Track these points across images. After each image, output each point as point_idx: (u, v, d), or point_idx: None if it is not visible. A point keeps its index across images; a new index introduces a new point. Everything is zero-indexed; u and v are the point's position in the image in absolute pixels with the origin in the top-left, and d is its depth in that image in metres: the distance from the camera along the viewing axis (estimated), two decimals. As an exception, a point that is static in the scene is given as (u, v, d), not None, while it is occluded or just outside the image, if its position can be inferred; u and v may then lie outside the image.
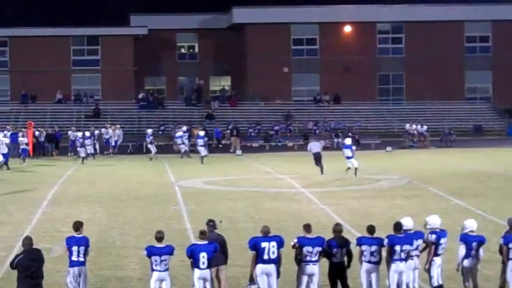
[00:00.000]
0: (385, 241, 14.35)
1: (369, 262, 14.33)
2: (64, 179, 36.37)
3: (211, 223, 15.03)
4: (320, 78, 70.88)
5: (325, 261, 14.65)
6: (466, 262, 14.70)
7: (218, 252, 14.37)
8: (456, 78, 70.51)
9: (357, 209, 25.86)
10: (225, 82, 73.62)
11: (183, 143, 48.60)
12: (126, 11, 72.20)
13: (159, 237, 14.19)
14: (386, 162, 43.46)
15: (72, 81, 69.45)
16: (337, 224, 15.10)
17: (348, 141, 37.12)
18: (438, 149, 54.20)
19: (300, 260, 14.33)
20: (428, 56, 69.32)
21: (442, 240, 14.82)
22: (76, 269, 14.33)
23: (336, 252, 14.49)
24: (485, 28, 71.75)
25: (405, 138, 57.85)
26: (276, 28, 69.30)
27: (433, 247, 14.70)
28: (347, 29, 70.68)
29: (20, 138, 46.35)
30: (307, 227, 14.58)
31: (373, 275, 14.36)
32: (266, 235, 14.33)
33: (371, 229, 14.60)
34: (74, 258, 14.37)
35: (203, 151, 44.79)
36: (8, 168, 40.70)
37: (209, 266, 14.06)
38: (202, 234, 14.29)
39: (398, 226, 14.55)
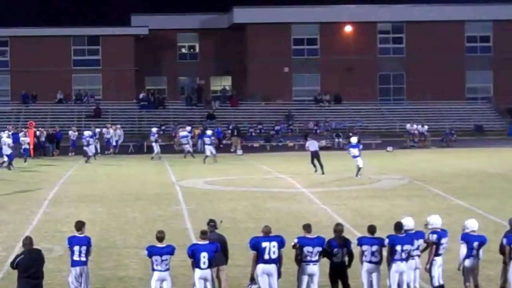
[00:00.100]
0: (386, 241, 14.35)
1: (370, 262, 14.33)
2: (65, 179, 36.37)
3: (212, 223, 15.02)
4: (321, 78, 70.90)
5: (325, 261, 14.65)
6: (467, 262, 14.70)
7: (219, 252, 14.37)
8: (457, 78, 70.52)
9: (357, 209, 25.86)
10: (226, 82, 73.62)
11: (188, 142, 48.75)
12: (127, 11, 72.27)
13: (160, 237, 14.20)
14: (387, 162, 43.45)
15: (73, 81, 69.50)
16: (338, 224, 15.09)
17: (354, 140, 37.14)
18: (439, 149, 54.19)
19: (301, 260, 14.33)
20: (429, 56, 69.32)
21: (443, 240, 14.82)
22: (78, 268, 14.34)
23: (336, 252, 14.49)
24: (486, 28, 71.76)
25: (406, 138, 57.83)
26: (277, 28, 69.31)
27: (434, 247, 14.70)
28: (348, 29, 70.68)
29: (22, 138, 46.37)
30: (307, 227, 14.58)
31: (374, 275, 14.36)
32: (267, 235, 14.34)
33: (372, 229, 14.60)
34: (76, 257, 14.38)
35: (209, 150, 44.83)
36: (9, 169, 40.73)
37: (210, 266, 14.06)
38: (203, 234, 14.29)
39: (398, 226, 14.55)
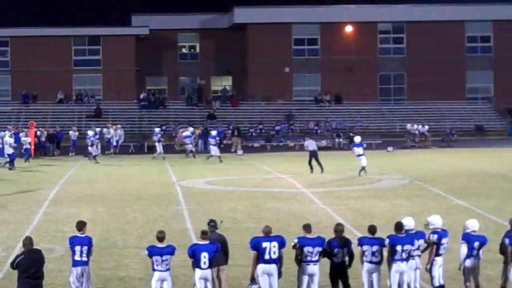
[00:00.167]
0: (386, 241, 14.34)
1: (370, 262, 14.33)
2: (65, 179, 36.36)
3: (212, 223, 15.02)
4: (321, 78, 70.92)
5: (326, 261, 14.65)
6: (468, 262, 14.70)
7: (219, 252, 14.37)
8: (458, 78, 70.53)
9: (358, 209, 25.85)
10: (226, 82, 73.65)
11: (191, 143, 48.90)
12: (127, 11, 72.31)
13: (161, 237, 14.20)
14: (387, 162, 43.44)
15: (74, 81, 69.53)
16: (338, 224, 15.09)
17: (357, 139, 37.22)
18: (439, 149, 54.19)
19: (301, 260, 14.33)
20: (429, 56, 69.33)
21: (444, 240, 14.81)
22: (79, 268, 14.34)
23: (337, 252, 14.48)
24: (486, 28, 71.77)
25: (407, 138, 57.82)
26: (277, 28, 69.33)
27: (434, 247, 14.70)
28: (348, 29, 70.69)
29: (23, 138, 46.39)
30: (307, 227, 14.57)
31: (375, 275, 14.36)
32: (268, 235, 14.34)
33: (372, 229, 14.60)
34: (77, 257, 14.39)
35: (213, 150, 45.08)
36: (10, 169, 40.76)
37: (211, 266, 14.06)
38: (203, 234, 14.29)
39: (399, 226, 14.54)
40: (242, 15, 69.94)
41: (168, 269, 14.07)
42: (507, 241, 14.65)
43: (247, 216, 24.81)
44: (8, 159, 41.69)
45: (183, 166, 42.63)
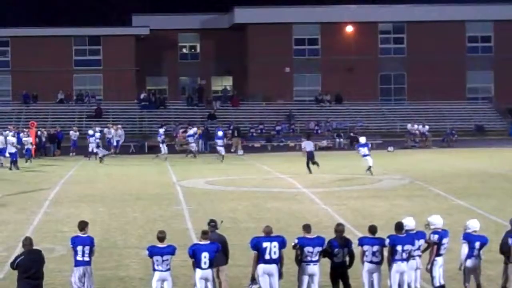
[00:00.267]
0: (387, 241, 14.34)
1: (371, 262, 14.33)
2: (65, 179, 36.37)
3: (213, 223, 15.02)
4: (322, 78, 70.93)
5: (326, 261, 14.64)
6: (469, 262, 14.70)
7: (219, 252, 14.37)
8: (458, 78, 70.53)
9: (358, 209, 25.85)
10: (227, 82, 73.65)
11: (194, 142, 49.04)
12: (127, 11, 72.32)
13: (161, 237, 14.19)
14: (388, 162, 43.44)
15: (74, 81, 69.55)
16: (339, 224, 15.09)
17: (363, 139, 37.39)
18: (440, 149, 54.19)
19: (301, 260, 14.32)
20: (430, 56, 69.33)
21: (444, 240, 14.81)
22: (81, 268, 14.35)
23: (337, 252, 14.48)
24: (487, 28, 71.78)
25: (407, 138, 57.82)
26: (278, 28, 69.33)
27: (435, 247, 14.69)
28: (349, 29, 70.69)
29: (24, 138, 46.41)
30: (307, 227, 14.57)
31: (375, 275, 14.36)
32: (268, 235, 14.34)
33: (372, 229, 14.60)
34: (79, 258, 14.39)
35: (222, 151, 45.52)
36: (17, 168, 40.90)
37: (211, 266, 14.06)
38: (204, 234, 14.29)
39: (399, 226, 14.54)
40: (243, 15, 69.95)
41: (168, 269, 14.07)
42: (510, 241, 14.64)
43: (247, 216, 24.81)
44: (10, 159, 41.71)
45: (183, 166, 42.63)
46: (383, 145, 54.08)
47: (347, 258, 14.60)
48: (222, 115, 65.64)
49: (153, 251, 14.04)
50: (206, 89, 71.38)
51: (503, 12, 70.70)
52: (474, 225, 14.93)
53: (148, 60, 69.51)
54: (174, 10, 71.61)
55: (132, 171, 40.60)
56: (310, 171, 37.07)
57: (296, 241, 14.34)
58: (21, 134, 46.92)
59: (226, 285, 15.06)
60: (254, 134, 62.05)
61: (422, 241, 14.75)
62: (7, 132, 45.37)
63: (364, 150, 36.19)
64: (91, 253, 14.49)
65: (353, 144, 56.14)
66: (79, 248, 14.39)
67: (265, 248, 14.17)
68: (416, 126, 58.12)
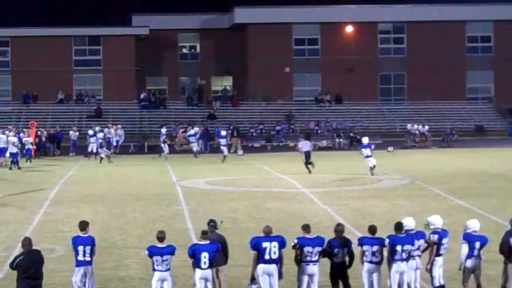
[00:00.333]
0: (386, 241, 14.34)
1: (370, 262, 14.33)
2: (65, 179, 36.36)
3: (212, 223, 15.02)
4: (322, 78, 70.92)
5: (326, 261, 14.64)
6: (468, 262, 14.70)
7: (219, 252, 14.37)
8: (458, 78, 70.53)
9: (358, 209, 25.85)
10: (227, 82, 73.65)
11: (195, 142, 49.11)
12: (127, 11, 72.31)
13: (161, 237, 14.19)
14: (388, 162, 43.42)
15: (74, 81, 69.54)
16: (339, 224, 15.09)
17: (365, 140, 37.38)
18: (439, 149, 54.20)
19: (300, 260, 14.32)
20: (430, 56, 69.32)
21: (444, 240, 14.81)
22: (82, 268, 14.37)
23: (337, 252, 14.48)
24: (487, 28, 71.77)
25: (407, 138, 57.83)
26: (278, 28, 69.33)
27: (435, 247, 14.69)
28: (349, 29, 70.69)
29: (25, 138, 46.44)
30: (306, 227, 14.57)
31: (375, 275, 14.36)
32: (268, 235, 14.34)
33: (372, 229, 14.60)
34: (80, 257, 14.40)
35: (225, 150, 45.71)
36: (19, 168, 40.94)
37: (211, 266, 14.06)
38: (204, 234, 14.29)
39: (399, 226, 14.54)
40: (243, 15, 69.94)
41: (168, 269, 14.07)
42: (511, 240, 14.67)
43: (247, 216, 24.81)
44: (11, 159, 41.72)
45: (183, 166, 42.63)
46: (383, 145, 54.04)
47: (347, 258, 14.60)
48: (222, 115, 65.63)
49: (153, 251, 14.04)
50: (206, 89, 71.38)
51: (503, 12, 70.69)
52: (474, 225, 14.93)
53: (148, 60, 69.50)
54: (174, 10, 71.61)
55: (132, 171, 40.59)
56: (309, 171, 37.12)
57: (296, 241, 14.34)
58: (21, 134, 46.94)
59: (225, 285, 15.06)
60: (254, 134, 62.05)
61: (422, 241, 14.75)
62: (8, 132, 45.38)
63: (366, 151, 36.20)
64: (92, 253, 14.51)
65: (353, 144, 56.24)
66: (80, 248, 14.40)
67: (265, 248, 14.17)
68: (416, 126, 58.13)
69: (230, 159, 46.23)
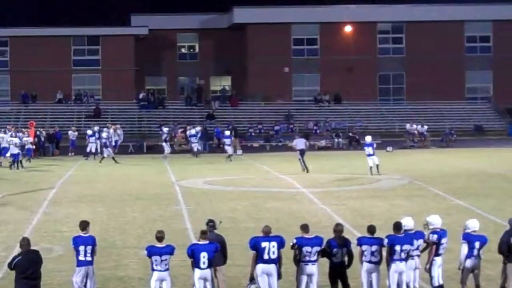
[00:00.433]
0: (385, 241, 14.34)
1: (369, 262, 14.33)
2: (64, 179, 36.36)
3: (211, 223, 15.01)
4: (321, 78, 70.90)
5: (325, 261, 14.64)
6: (468, 262, 14.70)
7: (218, 252, 14.36)
8: (457, 78, 70.54)
9: (357, 209, 25.85)
10: (226, 82, 73.62)
11: (196, 141, 49.15)
12: (126, 11, 72.27)
13: (160, 237, 14.19)
14: (387, 162, 43.34)
15: (73, 81, 69.49)
16: (338, 224, 15.08)
17: (368, 138, 37.51)
18: (438, 149, 54.20)
19: (299, 260, 14.32)
20: (429, 56, 69.32)
21: (443, 240, 14.82)
22: (83, 268, 14.37)
23: (336, 252, 14.48)
24: (486, 28, 71.77)
25: (406, 138, 57.85)
26: (277, 28, 69.31)
27: (434, 247, 14.69)
28: (348, 29, 70.69)
29: (25, 138, 46.44)
30: (305, 227, 14.56)
31: (374, 275, 14.36)
32: (267, 235, 14.33)
33: (371, 229, 14.60)
34: (81, 257, 14.40)
35: (229, 150, 45.75)
36: (22, 166, 40.95)
37: (210, 266, 14.06)
38: (203, 234, 14.29)
39: (397, 226, 14.54)
40: (242, 15, 69.93)
41: (167, 269, 14.06)
42: (512, 240, 14.68)
43: (246, 216, 24.81)
44: (12, 159, 41.72)
45: (182, 166, 42.63)
46: (382, 145, 53.86)
47: (346, 258, 14.60)
48: (221, 115, 65.63)
49: (151, 251, 14.04)
50: (205, 89, 71.35)
51: (502, 12, 70.70)
52: (473, 225, 14.93)
53: (147, 60, 69.48)
54: (173, 10, 71.59)
55: (131, 171, 40.58)
56: (307, 169, 37.18)
57: (295, 241, 14.34)
58: (20, 134, 46.92)
59: (224, 285, 15.05)
60: (253, 134, 62.05)
61: (420, 241, 14.75)
62: (9, 132, 45.37)
63: (369, 150, 36.30)
64: (93, 252, 14.51)
65: (352, 144, 56.28)
66: (81, 248, 14.40)
67: (264, 248, 14.17)
68: (415, 126, 58.13)
69: (226, 159, 46.15)
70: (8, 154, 42.18)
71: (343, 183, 33.63)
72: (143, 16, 71.34)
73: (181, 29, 71.95)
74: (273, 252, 14.18)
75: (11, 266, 13.72)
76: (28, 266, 13.52)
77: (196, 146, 49.13)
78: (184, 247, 14.94)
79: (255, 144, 57.34)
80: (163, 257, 13.97)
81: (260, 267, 14.20)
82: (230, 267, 16.05)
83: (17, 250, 17.08)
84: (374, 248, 14.31)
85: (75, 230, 14.87)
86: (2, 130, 46.43)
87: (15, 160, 41.41)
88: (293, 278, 14.69)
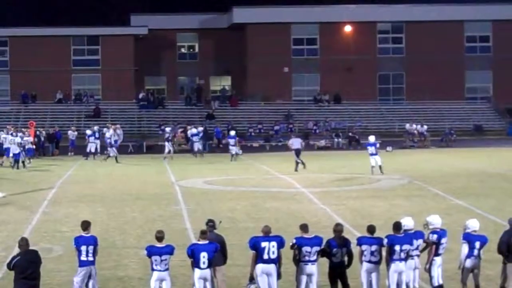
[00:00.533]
0: (385, 241, 14.35)
1: (369, 262, 14.33)
2: (64, 179, 36.35)
3: (211, 223, 15.01)
4: (321, 78, 70.91)
5: (324, 261, 14.64)
6: (468, 262, 14.70)
7: (218, 252, 14.36)
8: (457, 78, 70.54)
9: (357, 209, 25.85)
10: (225, 82, 73.62)
11: (198, 141, 49.18)
12: (126, 11, 72.26)
13: (160, 237, 14.19)
14: (387, 162, 43.27)
15: (73, 81, 69.49)
16: (338, 224, 15.08)
17: (372, 138, 37.54)
18: (438, 149, 54.20)
19: (299, 260, 14.32)
20: (429, 56, 69.32)
21: (443, 240, 14.82)
22: (85, 268, 14.37)
23: (336, 252, 14.48)
24: (485, 28, 71.77)
25: (406, 138, 57.86)
26: (277, 28, 69.30)
27: (434, 247, 14.70)
28: (348, 29, 70.68)
29: (25, 138, 46.42)
30: (304, 227, 14.56)
31: (374, 275, 14.36)
32: (267, 235, 14.33)
33: (371, 229, 14.60)
34: (83, 258, 14.41)
35: (234, 150, 46.06)
36: (24, 166, 41.09)
37: (210, 266, 14.06)
38: (203, 234, 14.29)
39: (397, 226, 14.55)
40: (241, 15, 69.93)
41: (167, 269, 14.06)
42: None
43: (246, 216, 24.81)
44: (13, 159, 41.73)
45: (182, 166, 42.62)
46: (381, 145, 53.75)
47: (346, 258, 14.60)
48: (221, 115, 65.64)
49: (151, 251, 14.04)
50: (204, 89, 71.35)
51: (501, 12, 70.70)
52: (473, 224, 14.93)
53: (147, 60, 69.47)
54: (173, 10, 71.58)
55: (131, 171, 40.58)
56: (303, 165, 37.42)
57: (294, 241, 14.34)
58: (20, 134, 46.89)
59: (224, 285, 15.05)
60: (253, 134, 62.05)
61: (420, 241, 14.75)
62: (5, 131, 45.35)
63: (371, 149, 36.33)
64: (95, 252, 14.52)
65: (351, 144, 56.28)
66: (83, 248, 14.41)
67: (264, 248, 14.17)
68: (414, 126, 58.13)
69: (229, 159, 46.19)
70: (11, 155, 42.18)
71: (343, 183, 33.63)
72: (142, 16, 71.34)
73: (180, 29, 71.95)
74: (273, 252, 14.18)
75: (10, 266, 13.72)
76: (27, 266, 13.52)
77: (197, 146, 49.20)
78: (184, 247, 14.94)
79: (255, 144, 57.34)
80: (163, 257, 13.97)
81: (260, 267, 14.20)
82: (230, 267, 16.05)
83: (16, 250, 17.09)
84: (373, 248, 14.32)
85: (75, 230, 14.89)
86: (4, 130, 46.36)
87: (17, 160, 41.41)
88: (293, 278, 14.69)
